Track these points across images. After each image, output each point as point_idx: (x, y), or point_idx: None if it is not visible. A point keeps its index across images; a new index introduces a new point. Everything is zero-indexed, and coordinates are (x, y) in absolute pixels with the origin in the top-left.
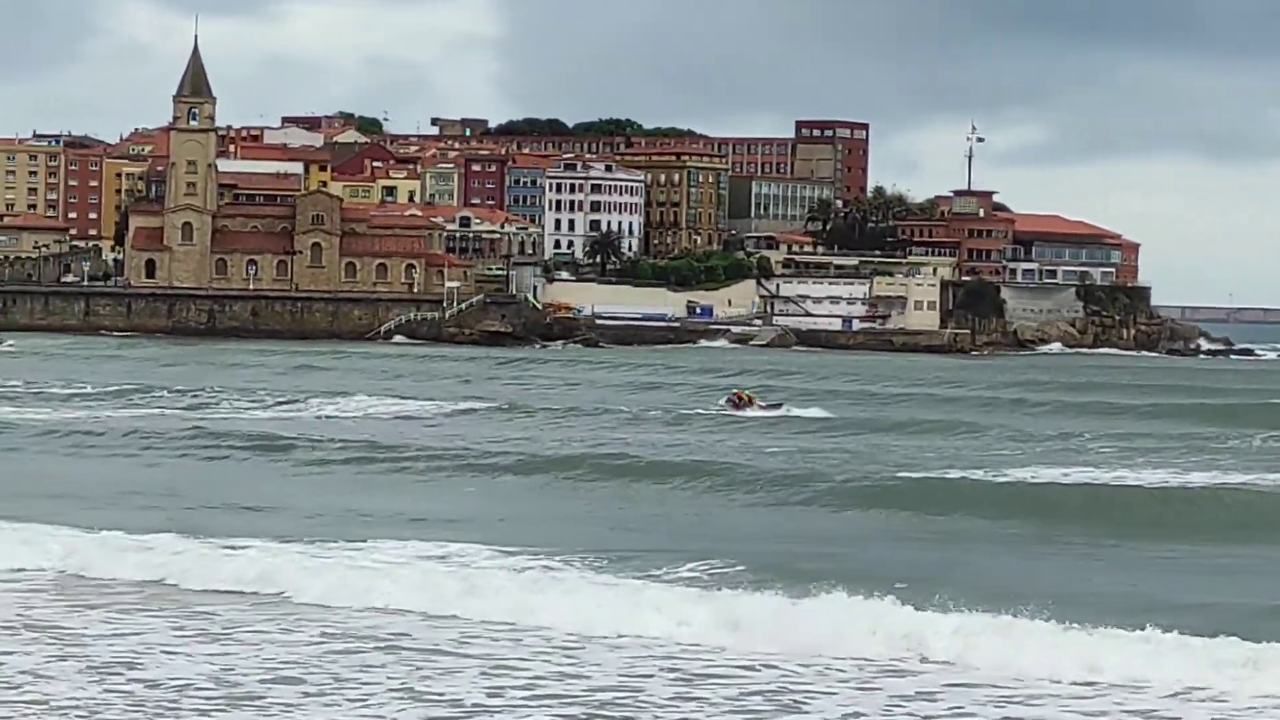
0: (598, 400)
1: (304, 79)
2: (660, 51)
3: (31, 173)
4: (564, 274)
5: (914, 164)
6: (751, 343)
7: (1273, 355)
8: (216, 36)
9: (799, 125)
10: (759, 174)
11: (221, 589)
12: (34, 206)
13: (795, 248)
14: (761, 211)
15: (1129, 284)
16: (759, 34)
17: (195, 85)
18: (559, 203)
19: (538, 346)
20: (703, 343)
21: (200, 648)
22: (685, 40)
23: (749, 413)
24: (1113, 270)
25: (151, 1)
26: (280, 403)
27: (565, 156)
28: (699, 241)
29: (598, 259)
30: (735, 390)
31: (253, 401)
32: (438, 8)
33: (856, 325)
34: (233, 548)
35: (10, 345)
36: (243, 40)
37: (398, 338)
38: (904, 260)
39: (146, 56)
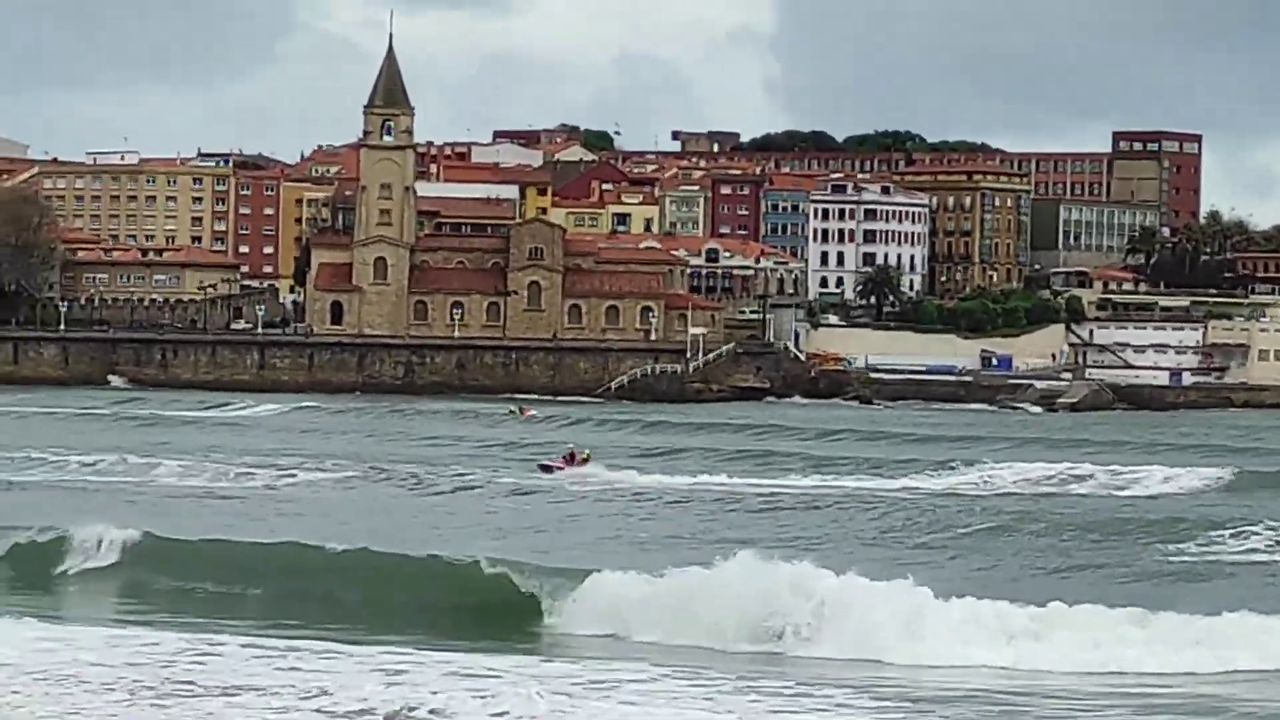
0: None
1: (530, 83)
2: (954, 49)
3: (196, 199)
4: (831, 318)
5: (1267, 184)
6: (1060, 400)
7: None
8: (430, 33)
9: (1117, 137)
10: (1068, 196)
11: None
12: (199, 240)
13: (1112, 285)
14: (1071, 242)
15: None
16: (1076, 26)
17: (390, 93)
18: (825, 232)
19: (801, 404)
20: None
21: None
22: (985, 36)
23: (571, 473)
24: None
25: None
26: None
27: (833, 176)
28: (995, 278)
29: (872, 300)
30: (571, 447)
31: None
32: None
33: (1187, 379)
34: None
35: (534, 412)
36: (461, 37)
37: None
38: (1246, 300)
39: (344, 57)
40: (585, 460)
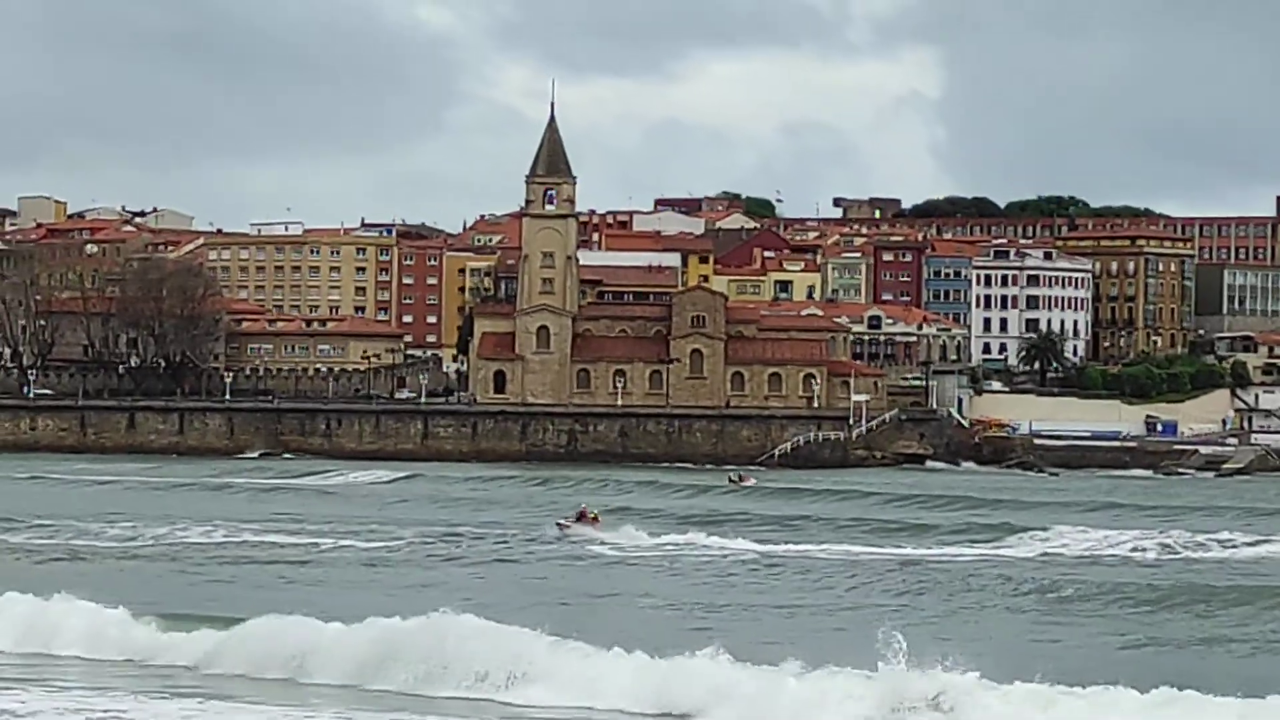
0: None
1: (694, 151)
2: (1119, 113)
3: (359, 269)
4: (995, 384)
5: None
6: (1226, 466)
7: None
8: (595, 101)
9: None
10: (1232, 260)
11: None
12: (362, 309)
13: (1278, 350)
14: (1236, 306)
15: None
16: (1240, 89)
17: (551, 163)
18: (988, 298)
19: (960, 470)
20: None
21: None
22: (1149, 100)
23: (585, 531)
24: None
25: (532, 60)
26: None
27: (996, 242)
28: (1159, 343)
29: (1035, 365)
30: (583, 506)
31: None
32: (878, 63)
33: None
34: None
35: (753, 481)
36: (626, 105)
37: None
38: None
39: (509, 126)
40: (595, 519)
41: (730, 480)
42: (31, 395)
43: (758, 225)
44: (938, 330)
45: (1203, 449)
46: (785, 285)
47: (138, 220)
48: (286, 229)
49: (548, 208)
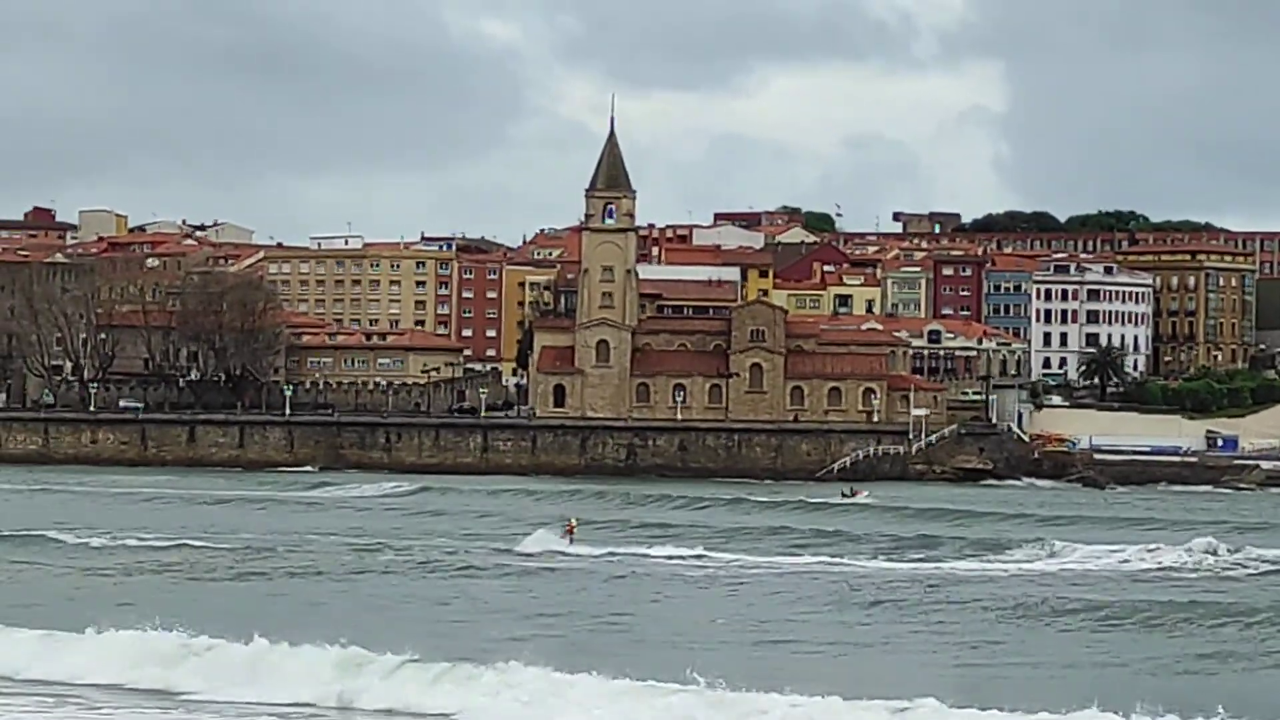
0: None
1: (757, 165)
2: (1182, 128)
3: (419, 283)
4: (1055, 398)
5: None
6: None
7: None
8: (660, 114)
9: None
10: None
11: None
12: (422, 323)
13: None
14: None
15: None
16: None
17: (611, 177)
18: (1048, 312)
19: (1022, 485)
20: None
21: None
22: (1217, 113)
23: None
24: None
25: (597, 74)
26: None
27: (1056, 256)
28: (1219, 358)
29: (1095, 380)
30: (569, 521)
31: None
32: (943, 77)
33: None
34: None
35: (866, 496)
36: (690, 118)
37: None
38: None
39: (574, 140)
40: (570, 530)
41: (843, 494)
42: (121, 406)
43: (817, 239)
44: (997, 344)
45: (1264, 464)
46: (845, 299)
47: (199, 234)
48: (347, 243)
49: (607, 222)
